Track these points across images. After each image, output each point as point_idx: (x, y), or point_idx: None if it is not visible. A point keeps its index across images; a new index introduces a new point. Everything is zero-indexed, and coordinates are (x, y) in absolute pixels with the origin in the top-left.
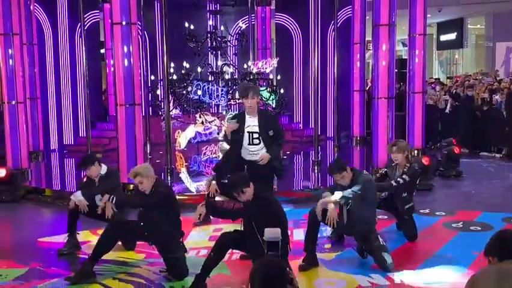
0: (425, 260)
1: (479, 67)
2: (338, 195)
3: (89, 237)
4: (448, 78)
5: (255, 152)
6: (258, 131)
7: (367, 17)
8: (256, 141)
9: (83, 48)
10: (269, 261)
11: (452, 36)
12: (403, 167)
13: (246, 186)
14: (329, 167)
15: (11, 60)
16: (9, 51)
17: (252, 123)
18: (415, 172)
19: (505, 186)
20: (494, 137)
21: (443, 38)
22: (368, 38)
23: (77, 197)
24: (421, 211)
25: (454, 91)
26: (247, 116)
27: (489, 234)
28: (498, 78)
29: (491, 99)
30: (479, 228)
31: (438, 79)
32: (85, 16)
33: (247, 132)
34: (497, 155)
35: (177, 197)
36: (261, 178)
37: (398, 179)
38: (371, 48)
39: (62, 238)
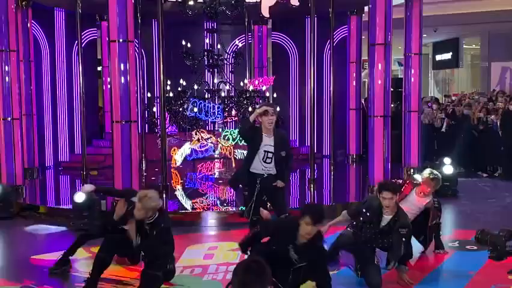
0: (421, 279)
1: (474, 87)
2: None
3: (82, 254)
4: (444, 96)
5: (267, 168)
6: (273, 151)
7: (363, 37)
8: (268, 160)
9: (80, 66)
10: (251, 260)
11: (447, 56)
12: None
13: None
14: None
15: (7, 77)
16: (6, 67)
17: (268, 142)
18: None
19: (500, 206)
20: (490, 157)
21: (439, 57)
22: (364, 57)
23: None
24: None
25: (451, 110)
26: (264, 135)
27: (485, 254)
28: (494, 99)
29: (487, 119)
30: (475, 248)
31: (436, 99)
32: (82, 34)
33: (264, 151)
34: (494, 174)
35: (172, 214)
36: (271, 191)
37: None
38: (366, 67)
39: (56, 256)
